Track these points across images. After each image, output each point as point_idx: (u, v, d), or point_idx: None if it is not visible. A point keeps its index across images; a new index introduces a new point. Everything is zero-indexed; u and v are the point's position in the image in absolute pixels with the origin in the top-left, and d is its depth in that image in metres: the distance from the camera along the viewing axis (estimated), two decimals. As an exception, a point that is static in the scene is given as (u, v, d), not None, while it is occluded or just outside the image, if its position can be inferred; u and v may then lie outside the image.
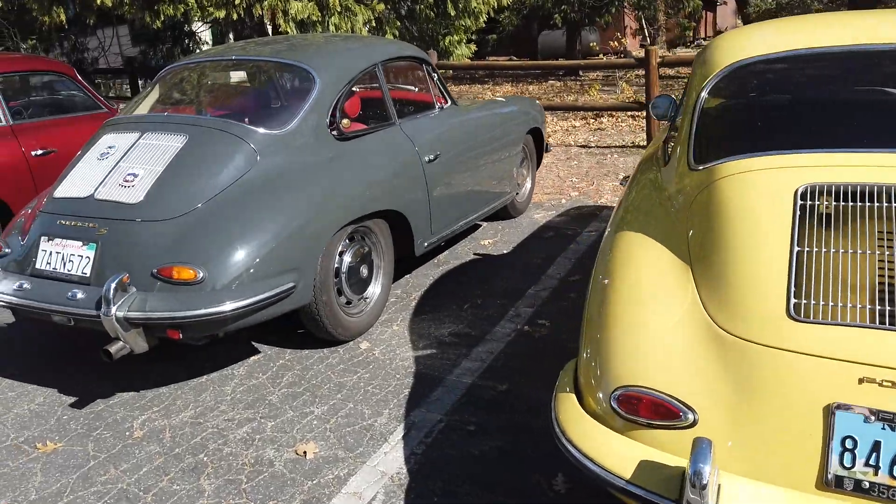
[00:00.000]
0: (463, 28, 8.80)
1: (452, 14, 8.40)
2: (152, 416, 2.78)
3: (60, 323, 2.78)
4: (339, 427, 2.65)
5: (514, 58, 20.86)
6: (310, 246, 2.97)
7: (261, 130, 3.11)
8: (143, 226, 2.76)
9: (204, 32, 12.30)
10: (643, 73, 13.84)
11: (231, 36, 12.68)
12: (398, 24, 8.30)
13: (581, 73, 16.66)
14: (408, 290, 3.95)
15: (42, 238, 2.85)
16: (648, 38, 21.17)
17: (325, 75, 3.36)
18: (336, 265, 3.17)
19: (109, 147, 3.08)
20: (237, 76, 3.79)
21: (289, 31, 7.06)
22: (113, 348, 2.57)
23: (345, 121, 3.40)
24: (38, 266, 2.83)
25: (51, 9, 7.01)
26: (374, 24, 7.67)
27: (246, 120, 3.21)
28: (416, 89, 4.30)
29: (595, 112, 9.84)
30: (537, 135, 5.29)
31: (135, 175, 2.90)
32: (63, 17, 7.15)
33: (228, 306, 2.62)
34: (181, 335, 2.65)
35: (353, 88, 3.53)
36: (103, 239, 2.75)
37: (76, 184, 2.98)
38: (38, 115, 4.88)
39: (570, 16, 16.11)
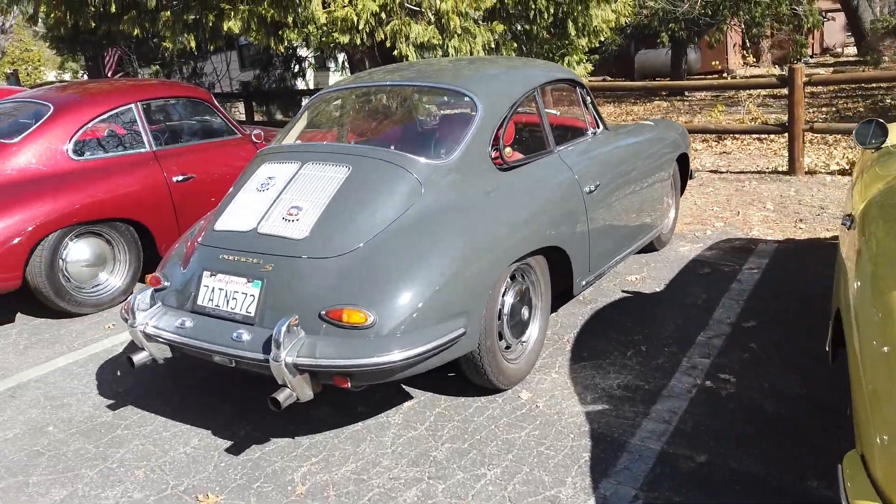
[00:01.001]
0: (581, 48, 8.48)
1: (573, 33, 8.10)
2: (312, 468, 2.57)
3: (220, 363, 2.64)
4: (520, 497, 2.35)
5: (609, 78, 20.30)
6: (478, 287, 2.71)
7: (424, 161, 2.90)
8: (310, 263, 2.59)
9: (310, 57, 12.57)
10: (770, 93, 13.03)
11: (341, 61, 12.90)
12: (514, 44, 8.09)
13: (686, 93, 15.95)
14: (558, 332, 3.63)
15: (204, 273, 2.73)
16: (754, 56, 20.12)
17: (486, 101, 3.12)
18: (498, 307, 2.90)
19: (269, 178, 2.95)
20: (392, 103, 3.62)
21: (409, 55, 6.98)
22: (281, 397, 2.39)
23: (507, 149, 3.14)
24: (199, 302, 2.70)
25: (182, 37, 7.24)
26: (492, 46, 7.48)
27: (408, 149, 3.01)
28: (570, 113, 4.01)
29: (717, 134, 9.25)
30: (683, 160, 4.89)
31: (298, 208, 2.74)
32: (193, 44, 7.38)
33: (400, 355, 2.40)
34: (350, 384, 2.44)
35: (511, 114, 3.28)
36: (269, 276, 2.59)
37: (237, 217, 2.85)
38: (178, 141, 4.93)
39: (678, 34, 15.47)
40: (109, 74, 23.89)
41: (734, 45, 21.10)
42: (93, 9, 7.38)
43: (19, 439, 2.87)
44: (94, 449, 2.77)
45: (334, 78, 16.42)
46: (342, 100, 3.66)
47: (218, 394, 3.15)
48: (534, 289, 3.18)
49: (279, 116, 13.14)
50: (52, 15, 7.59)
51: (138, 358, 2.75)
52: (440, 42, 7.07)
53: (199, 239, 2.91)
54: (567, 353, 3.40)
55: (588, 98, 3.89)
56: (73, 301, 4.18)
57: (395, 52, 7.01)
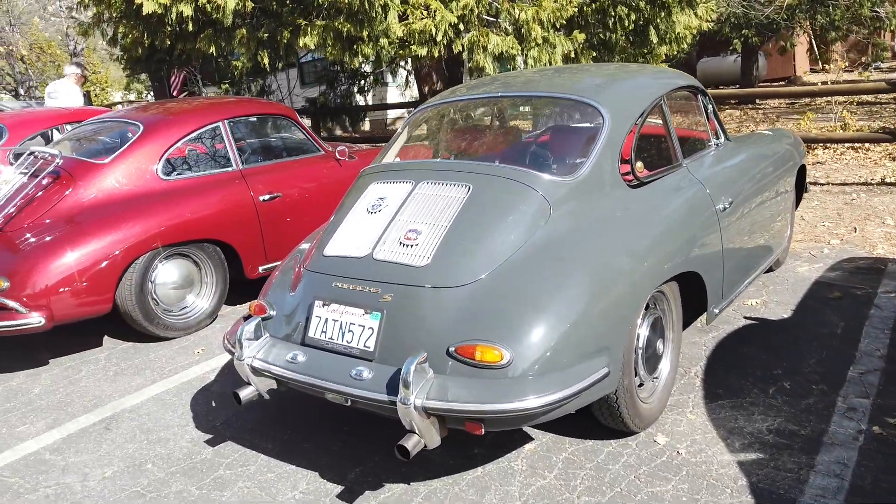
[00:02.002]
0: (660, 56, 8.10)
1: (654, 41, 7.73)
2: (437, 522, 2.31)
3: (333, 400, 2.41)
4: (686, 566, 2.03)
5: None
6: (619, 318, 2.41)
7: (550, 178, 2.63)
8: (433, 293, 2.34)
9: (373, 73, 12.49)
10: (850, 99, 12.21)
11: (404, 76, 12.82)
12: (592, 53, 7.78)
13: (757, 101, 15.28)
14: (683, 365, 3.28)
15: (315, 302, 2.52)
16: (825, 62, 19.16)
17: (613, 112, 2.83)
18: (635, 340, 2.59)
19: (380, 199, 2.73)
20: (504, 116, 3.36)
21: (486, 66, 6.76)
22: (410, 444, 2.14)
23: (639, 164, 2.84)
24: (311, 334, 2.49)
25: (256, 54, 7.22)
26: (571, 56, 7.19)
27: (531, 166, 2.74)
28: (690, 123, 3.68)
29: (815, 143, 8.68)
30: (800, 172, 4.47)
31: (416, 232, 2.50)
32: (266, 61, 7.35)
33: (540, 400, 2.12)
34: (483, 430, 2.17)
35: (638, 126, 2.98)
36: (388, 307, 2.35)
37: (349, 241, 2.63)
38: (264, 159, 4.80)
39: (751, 40, 14.84)
40: (175, 94, 24.66)
41: (806, 51, 20.21)
42: (169, 28, 7.42)
43: (119, 478, 2.70)
44: (196, 491, 2.58)
45: (393, 93, 16.37)
46: (447, 114, 3.42)
47: (324, 431, 2.92)
48: (666, 318, 2.85)
49: (338, 132, 13.11)
50: (131, 36, 7.68)
51: (245, 394, 2.55)
52: (519, 52, 6.81)
53: (307, 265, 2.70)
54: (698, 389, 3.05)
55: (710, 106, 3.56)
56: (162, 325, 4.06)
57: (471, 64, 6.79)
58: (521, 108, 3.35)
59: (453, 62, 9.59)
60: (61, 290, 3.62)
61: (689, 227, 2.88)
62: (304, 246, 2.98)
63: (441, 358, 2.22)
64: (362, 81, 11.65)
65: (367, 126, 15.99)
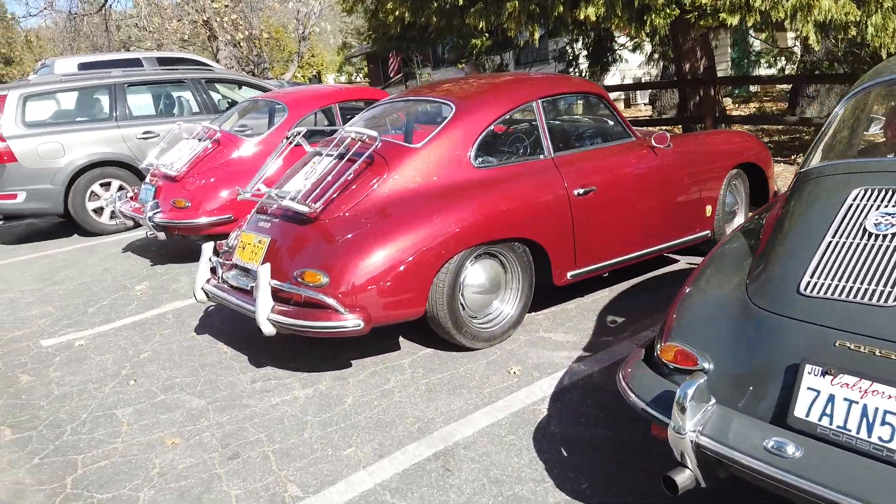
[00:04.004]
0: None
1: None
2: None
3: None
4: None
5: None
6: None
7: None
8: None
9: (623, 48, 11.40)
10: None
11: (647, 51, 11.62)
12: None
13: None
14: None
15: (806, 368, 1.72)
16: None
17: None
18: None
19: (887, 214, 1.85)
20: None
21: (811, 36, 5.51)
22: None
23: None
24: (799, 414, 1.70)
25: (526, 27, 6.60)
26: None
27: None
28: None
29: None
30: None
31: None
32: (537, 35, 6.71)
33: None
34: None
35: None
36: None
37: (837, 274, 1.80)
38: (575, 146, 4.12)
39: None
40: (392, 76, 25.42)
41: None
42: (436, 4, 7.06)
43: (485, 549, 2.16)
44: None
45: (633, 71, 15.01)
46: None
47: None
48: None
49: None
50: (395, 13, 7.45)
51: (682, 480, 1.84)
52: (857, 19, 5.46)
53: (768, 303, 1.91)
54: None
55: None
56: (469, 334, 3.55)
57: (794, 34, 5.57)
58: None
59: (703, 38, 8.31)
60: (378, 289, 3.22)
61: None
62: (731, 271, 2.19)
63: None
64: (608, 56, 10.65)
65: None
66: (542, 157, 3.88)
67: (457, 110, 3.75)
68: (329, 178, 3.52)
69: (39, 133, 7.07)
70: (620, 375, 2.19)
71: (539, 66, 16.73)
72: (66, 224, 7.81)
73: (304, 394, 3.29)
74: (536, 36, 6.75)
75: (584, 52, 10.94)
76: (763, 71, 15.49)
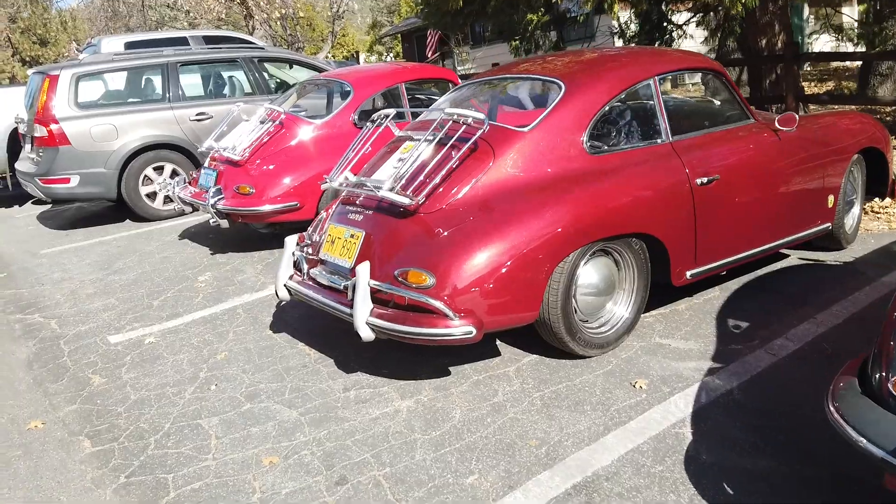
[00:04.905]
0: None
1: None
2: None
3: None
4: None
5: None
6: None
7: None
8: None
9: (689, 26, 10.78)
10: None
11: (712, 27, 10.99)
12: None
13: None
14: None
15: None
16: None
17: None
18: None
19: None
20: None
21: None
22: None
23: None
24: None
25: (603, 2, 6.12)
26: None
27: None
28: None
29: None
30: None
31: None
32: (617, 7, 6.22)
33: None
34: None
35: None
36: None
37: None
38: (694, 129, 3.68)
39: None
40: (430, 55, 24.90)
41: None
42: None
43: None
44: None
45: (693, 46, 14.31)
46: None
47: None
48: None
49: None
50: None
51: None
52: None
53: None
54: None
55: None
56: (582, 340, 3.19)
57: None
58: None
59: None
60: (489, 291, 2.87)
61: None
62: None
63: None
64: (671, 34, 10.03)
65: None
66: (659, 141, 3.47)
67: (567, 89, 3.35)
68: (430, 166, 3.15)
69: (93, 115, 6.83)
70: (833, 409, 1.81)
71: (587, 43, 16.12)
72: (115, 208, 7.60)
73: (405, 406, 2.97)
74: (617, 8, 6.26)
75: (636, 28, 10.32)
76: (819, 47, 14.80)
